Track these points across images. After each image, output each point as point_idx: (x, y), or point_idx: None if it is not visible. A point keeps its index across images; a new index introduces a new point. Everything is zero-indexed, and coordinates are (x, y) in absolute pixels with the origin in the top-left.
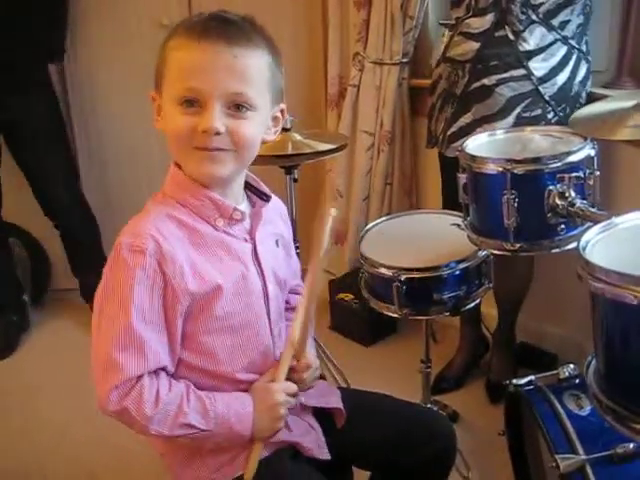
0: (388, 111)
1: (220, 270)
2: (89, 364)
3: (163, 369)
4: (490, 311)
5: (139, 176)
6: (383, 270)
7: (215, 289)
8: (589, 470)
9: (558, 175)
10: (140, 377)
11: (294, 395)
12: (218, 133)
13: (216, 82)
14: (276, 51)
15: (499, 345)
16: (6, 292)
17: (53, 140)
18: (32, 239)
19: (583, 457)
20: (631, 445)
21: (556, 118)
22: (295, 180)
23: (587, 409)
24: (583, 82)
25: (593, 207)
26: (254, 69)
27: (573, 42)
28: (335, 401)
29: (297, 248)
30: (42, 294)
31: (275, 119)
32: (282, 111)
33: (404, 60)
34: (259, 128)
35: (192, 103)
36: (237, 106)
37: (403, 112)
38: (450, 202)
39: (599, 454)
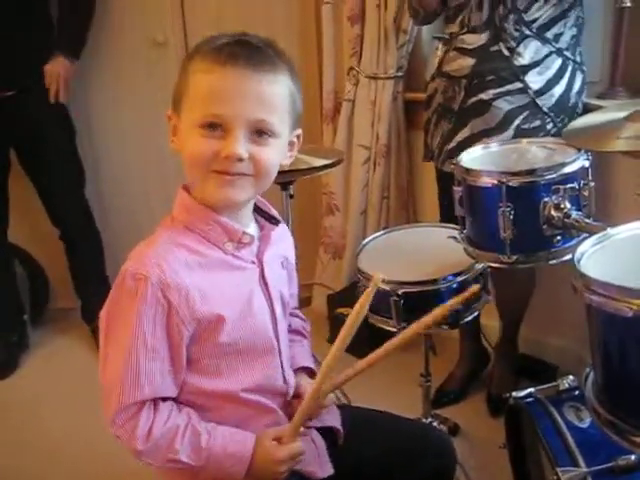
0: (383, 125)
1: (225, 297)
2: (88, 383)
3: (164, 399)
4: (490, 323)
5: (135, 193)
6: (381, 285)
7: (220, 316)
8: None
9: (553, 187)
10: (138, 408)
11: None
12: (241, 159)
13: (241, 109)
14: (296, 76)
15: (501, 358)
16: (8, 313)
17: (65, 152)
18: (30, 258)
19: (584, 470)
20: (632, 457)
21: (555, 129)
22: (291, 196)
23: (587, 421)
24: (579, 92)
25: (589, 218)
26: (278, 96)
27: (568, 53)
28: (331, 420)
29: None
30: (41, 313)
31: (291, 144)
32: (298, 136)
33: (398, 74)
34: (279, 154)
35: (215, 127)
36: (259, 133)
37: (398, 126)
38: (447, 214)
39: (600, 466)
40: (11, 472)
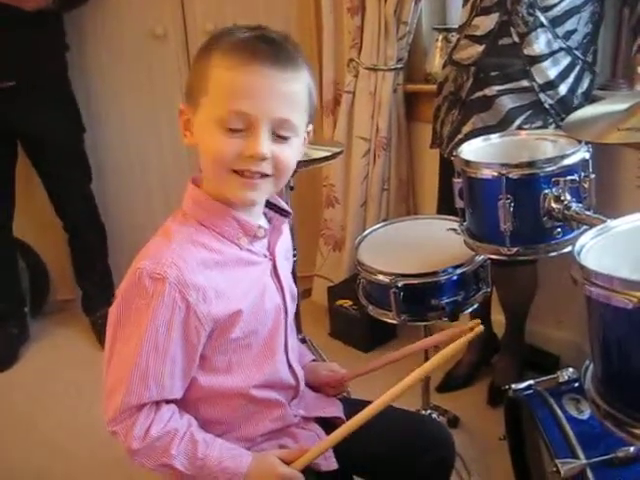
0: (383, 117)
1: (241, 292)
2: (88, 374)
3: (167, 401)
4: (496, 317)
5: (135, 186)
6: (380, 277)
7: (236, 313)
8: (590, 474)
9: (553, 179)
10: (139, 408)
11: None
12: (264, 159)
13: (266, 107)
14: (311, 72)
15: (506, 350)
16: (9, 305)
17: (73, 147)
18: (30, 250)
19: (584, 461)
20: (632, 449)
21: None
22: (292, 188)
23: (587, 413)
24: (586, 94)
25: (589, 210)
26: (299, 94)
27: (578, 53)
28: (335, 411)
29: (294, 256)
30: (41, 305)
31: (304, 139)
32: (309, 132)
33: (398, 66)
34: (298, 152)
35: (238, 126)
36: (282, 131)
37: (399, 118)
38: (446, 204)
39: (600, 458)
40: (12, 464)
